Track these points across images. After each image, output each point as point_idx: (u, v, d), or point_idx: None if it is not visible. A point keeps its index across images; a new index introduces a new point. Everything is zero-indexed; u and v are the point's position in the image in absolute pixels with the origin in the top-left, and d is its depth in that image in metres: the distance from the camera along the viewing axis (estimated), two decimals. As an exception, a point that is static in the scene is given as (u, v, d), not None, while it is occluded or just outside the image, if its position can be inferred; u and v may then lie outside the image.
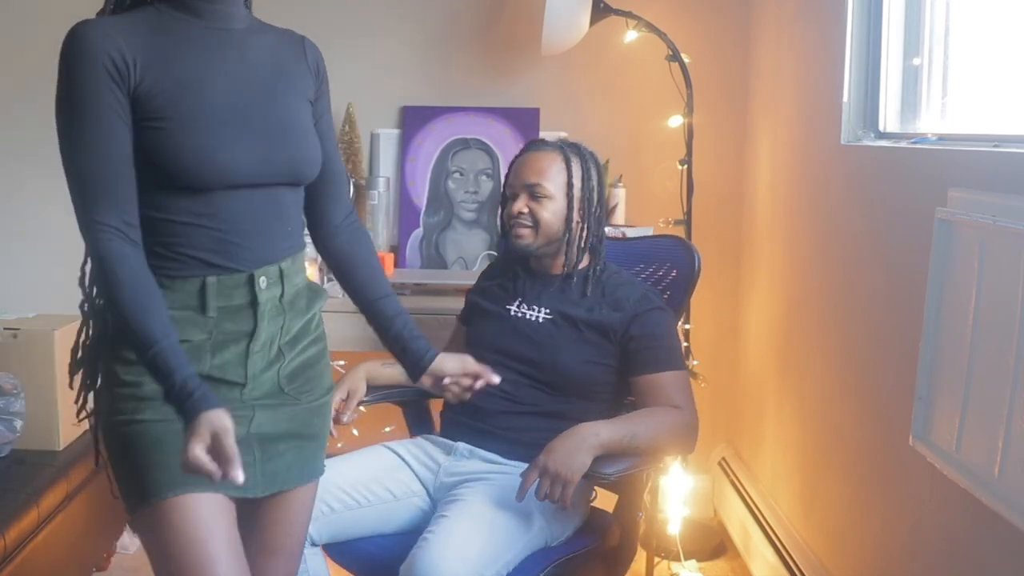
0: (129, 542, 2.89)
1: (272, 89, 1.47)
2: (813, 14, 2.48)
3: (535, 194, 2.03)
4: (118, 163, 1.35)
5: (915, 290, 1.71)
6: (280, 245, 1.48)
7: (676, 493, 2.82)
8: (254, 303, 1.44)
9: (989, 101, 1.87)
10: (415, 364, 1.63)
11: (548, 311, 2.03)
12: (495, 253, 2.92)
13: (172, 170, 1.37)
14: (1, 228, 3.11)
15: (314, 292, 1.57)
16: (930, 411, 1.63)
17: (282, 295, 1.48)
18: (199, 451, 1.27)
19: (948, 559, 1.65)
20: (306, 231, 1.61)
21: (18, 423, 2.44)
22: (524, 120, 3.02)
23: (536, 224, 2.03)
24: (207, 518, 1.38)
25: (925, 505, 1.73)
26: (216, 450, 1.28)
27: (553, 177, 2.03)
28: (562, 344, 2.00)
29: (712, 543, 2.95)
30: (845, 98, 2.18)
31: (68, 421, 2.59)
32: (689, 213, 2.83)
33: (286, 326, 1.50)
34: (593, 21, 2.77)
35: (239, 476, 1.27)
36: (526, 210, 2.03)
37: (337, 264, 1.65)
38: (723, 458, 3.11)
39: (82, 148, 1.34)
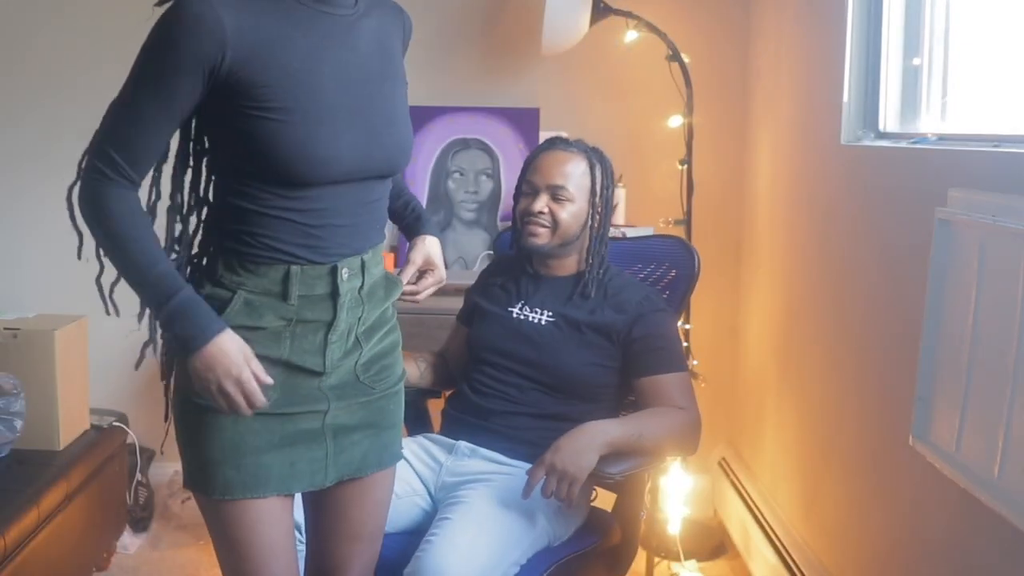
0: (129, 542, 2.88)
1: (379, 79, 1.46)
2: (813, 14, 2.48)
3: (557, 196, 2.01)
4: (156, 141, 1.36)
5: (915, 290, 1.70)
6: (365, 237, 1.49)
7: (676, 493, 2.82)
8: (335, 294, 1.45)
9: (989, 101, 1.86)
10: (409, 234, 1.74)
11: (551, 314, 2.03)
12: (494, 253, 2.91)
13: (273, 163, 1.36)
14: (2, 229, 3.12)
15: (391, 283, 1.58)
16: (930, 411, 1.63)
17: (362, 286, 1.49)
18: (236, 386, 1.35)
19: (948, 559, 1.65)
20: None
21: (18, 423, 2.44)
22: (524, 120, 3.02)
23: (555, 225, 2.02)
24: (270, 520, 1.47)
25: (925, 505, 1.73)
26: (248, 377, 1.36)
27: (578, 180, 2.02)
28: (564, 347, 1.99)
29: (712, 543, 2.95)
30: (845, 98, 2.18)
31: (68, 421, 2.59)
32: (689, 213, 2.83)
33: (364, 316, 1.51)
34: (593, 21, 2.78)
35: (263, 400, 1.38)
36: (546, 210, 2.01)
37: None
38: (723, 458, 3.11)
39: (136, 108, 1.33)
